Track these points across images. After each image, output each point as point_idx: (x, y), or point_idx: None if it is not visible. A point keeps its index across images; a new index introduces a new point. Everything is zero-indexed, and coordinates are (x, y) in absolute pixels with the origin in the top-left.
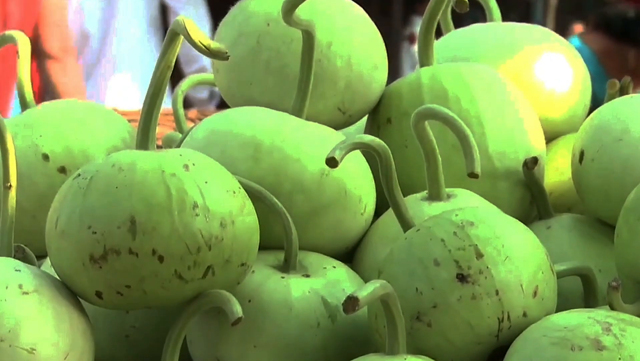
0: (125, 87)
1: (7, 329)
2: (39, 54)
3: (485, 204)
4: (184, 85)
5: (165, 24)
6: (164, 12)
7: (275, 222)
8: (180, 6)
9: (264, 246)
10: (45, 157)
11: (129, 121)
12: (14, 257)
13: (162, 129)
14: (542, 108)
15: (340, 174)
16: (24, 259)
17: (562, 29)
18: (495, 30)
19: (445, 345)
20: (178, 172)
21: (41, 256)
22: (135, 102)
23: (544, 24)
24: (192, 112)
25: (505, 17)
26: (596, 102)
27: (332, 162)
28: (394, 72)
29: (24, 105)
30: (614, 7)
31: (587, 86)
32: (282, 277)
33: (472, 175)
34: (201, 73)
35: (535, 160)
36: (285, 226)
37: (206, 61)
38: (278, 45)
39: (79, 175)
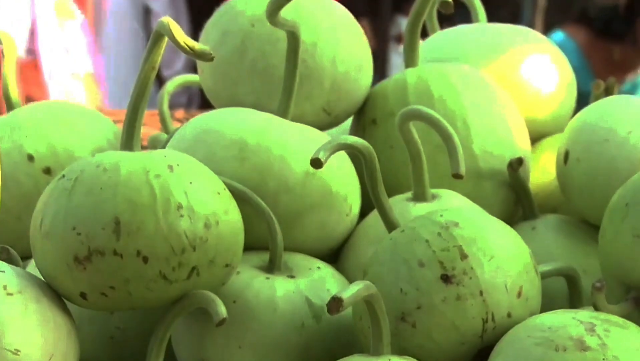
0: (112, 87)
1: None
2: None
3: (470, 204)
4: (169, 85)
5: (148, 27)
6: (147, 15)
7: (260, 223)
8: (160, 8)
9: (249, 247)
10: (30, 158)
11: (115, 121)
12: None
13: (148, 130)
14: (528, 109)
15: (325, 175)
16: (9, 260)
17: (551, 30)
18: (481, 30)
19: (429, 345)
20: (162, 173)
21: (26, 257)
22: (122, 103)
23: (532, 25)
24: (179, 113)
25: (494, 18)
26: (580, 96)
27: (316, 163)
28: (381, 72)
29: (10, 106)
30: (595, 2)
31: (573, 86)
32: (267, 278)
33: (457, 176)
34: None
35: (520, 161)
36: (270, 226)
37: (181, 65)
38: (263, 45)
39: (64, 176)
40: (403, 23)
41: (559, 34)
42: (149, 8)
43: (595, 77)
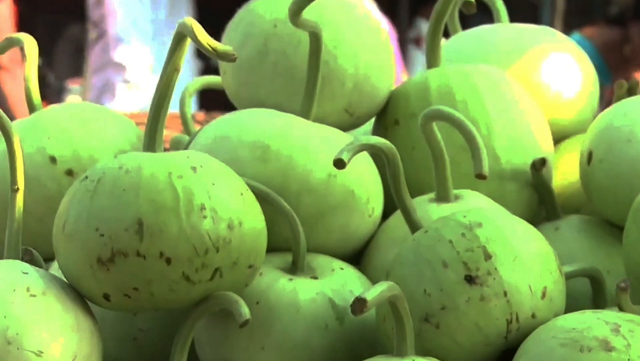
0: (129, 88)
1: (15, 332)
2: None
3: (493, 205)
4: (191, 87)
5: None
6: None
7: (282, 224)
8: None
9: (271, 248)
10: (53, 160)
11: (137, 124)
12: (22, 260)
13: (169, 132)
14: (550, 110)
15: (347, 175)
16: (32, 262)
17: (570, 32)
18: (503, 31)
19: (453, 346)
20: (185, 174)
21: (49, 259)
22: (141, 103)
23: (551, 27)
24: (200, 115)
25: (513, 20)
26: (599, 96)
27: (339, 164)
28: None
29: (32, 108)
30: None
31: (595, 87)
32: (290, 279)
33: (480, 176)
34: None
35: (543, 161)
36: (293, 227)
37: None
38: (285, 46)
39: (86, 177)
40: (421, 25)
41: (575, 36)
42: None
43: (614, 77)
